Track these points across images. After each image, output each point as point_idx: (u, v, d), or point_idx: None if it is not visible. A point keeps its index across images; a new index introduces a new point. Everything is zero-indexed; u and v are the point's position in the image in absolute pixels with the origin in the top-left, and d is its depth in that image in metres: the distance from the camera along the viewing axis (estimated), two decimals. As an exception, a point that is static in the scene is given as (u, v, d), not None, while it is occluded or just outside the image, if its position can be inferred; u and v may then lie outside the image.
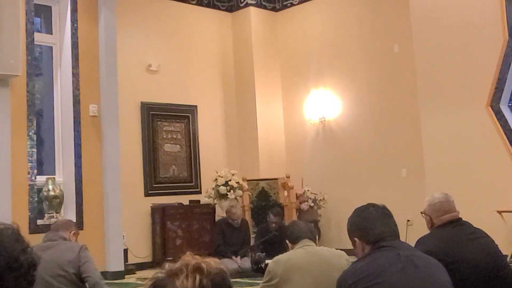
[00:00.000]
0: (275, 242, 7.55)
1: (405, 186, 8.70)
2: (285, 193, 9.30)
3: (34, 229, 7.17)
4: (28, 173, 7.35)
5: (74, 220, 7.65)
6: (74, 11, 8.00)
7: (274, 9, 10.61)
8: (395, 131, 8.99)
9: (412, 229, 7.86)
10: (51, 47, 8.24)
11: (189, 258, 1.42)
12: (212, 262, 1.43)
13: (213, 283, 1.39)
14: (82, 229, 7.68)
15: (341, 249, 3.60)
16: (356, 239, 2.66)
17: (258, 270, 7.37)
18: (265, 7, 10.51)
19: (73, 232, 4.32)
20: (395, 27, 8.98)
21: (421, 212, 3.59)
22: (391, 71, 9.06)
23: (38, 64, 8.43)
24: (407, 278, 2.37)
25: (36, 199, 7.47)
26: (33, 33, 7.56)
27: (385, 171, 9.05)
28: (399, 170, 8.89)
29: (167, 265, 1.43)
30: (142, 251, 8.71)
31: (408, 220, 8.08)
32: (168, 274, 1.40)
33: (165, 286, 1.35)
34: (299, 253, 3.45)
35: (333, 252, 3.51)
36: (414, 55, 8.13)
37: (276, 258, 3.51)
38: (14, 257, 1.28)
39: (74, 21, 7.99)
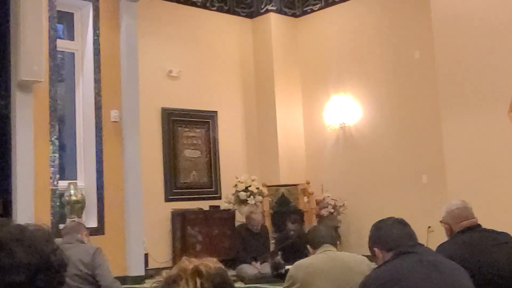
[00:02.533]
0: (295, 248, 7.55)
1: (426, 193, 8.64)
2: (305, 199, 9.28)
3: (56, 233, 7.23)
4: (50, 178, 7.42)
5: (96, 225, 7.72)
6: (96, 17, 8.08)
7: (294, 15, 10.62)
8: (415, 137, 8.94)
9: (433, 236, 7.79)
10: (73, 53, 8.32)
11: (186, 263, 1.42)
12: (210, 263, 1.43)
13: (214, 284, 1.39)
14: (103, 234, 7.74)
15: (362, 256, 3.59)
16: (375, 249, 2.68)
17: (278, 275, 7.37)
18: (285, 13, 10.52)
19: (84, 233, 4.49)
20: (416, 33, 8.94)
21: (440, 221, 3.56)
22: (412, 77, 9.02)
23: (60, 70, 8.52)
24: (430, 283, 2.35)
25: (58, 203, 7.53)
26: (56, 40, 7.64)
27: (406, 177, 9.00)
28: (419, 176, 8.83)
29: (164, 273, 1.43)
30: (162, 256, 8.73)
31: (429, 227, 8.02)
32: (167, 282, 1.40)
33: None
34: (321, 258, 3.45)
35: (355, 257, 3.50)
36: (435, 61, 8.08)
37: (297, 263, 3.50)
38: (46, 258, 1.30)
39: (96, 27, 8.07)
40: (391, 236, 2.63)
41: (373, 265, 2.96)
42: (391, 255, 2.58)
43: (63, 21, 8.43)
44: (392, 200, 8.90)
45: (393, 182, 9.13)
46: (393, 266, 2.48)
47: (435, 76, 8.10)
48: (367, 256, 3.47)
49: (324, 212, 9.30)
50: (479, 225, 3.44)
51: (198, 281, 1.37)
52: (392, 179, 9.15)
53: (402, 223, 2.72)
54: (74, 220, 7.18)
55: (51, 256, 1.32)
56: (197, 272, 1.39)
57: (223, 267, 1.45)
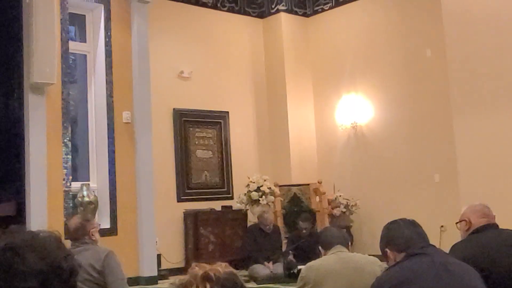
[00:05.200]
0: (307, 248, 7.55)
1: (438, 192, 8.61)
2: (317, 198, 9.27)
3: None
4: (63, 179, 7.46)
5: (108, 226, 7.76)
6: (107, 19, 8.12)
7: (305, 15, 10.61)
8: (427, 136, 8.91)
9: (445, 235, 7.77)
10: (85, 55, 8.37)
11: (197, 269, 1.44)
12: (220, 268, 1.45)
13: None
14: (116, 235, 7.78)
15: (374, 255, 3.59)
16: (387, 250, 2.68)
17: (290, 275, 7.38)
18: (296, 13, 10.52)
19: (92, 230, 4.16)
20: (427, 32, 8.91)
21: (456, 223, 3.53)
22: (424, 76, 8.99)
23: (73, 72, 8.57)
24: (441, 285, 2.35)
25: (71, 204, 7.58)
26: (68, 42, 7.68)
27: (418, 176, 8.97)
28: (432, 175, 8.80)
29: (177, 280, 1.45)
30: (175, 257, 8.76)
31: (442, 226, 8.00)
32: None
33: None
34: (332, 259, 3.45)
35: (366, 258, 3.50)
36: (446, 59, 8.05)
37: (309, 264, 3.51)
38: (57, 264, 1.32)
39: (107, 29, 8.11)
40: (402, 237, 2.63)
41: (385, 265, 2.96)
42: (403, 256, 2.57)
43: (75, 23, 8.47)
44: (405, 199, 8.88)
45: (405, 181, 9.11)
46: (404, 268, 2.48)
47: (447, 74, 8.07)
48: (379, 256, 3.47)
49: (336, 211, 9.29)
50: (496, 225, 3.42)
51: (208, 286, 1.38)
52: (405, 178, 9.13)
53: (413, 224, 2.72)
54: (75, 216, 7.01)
55: (62, 262, 1.33)
56: (207, 277, 1.40)
57: (233, 271, 1.47)
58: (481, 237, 3.32)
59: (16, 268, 1.27)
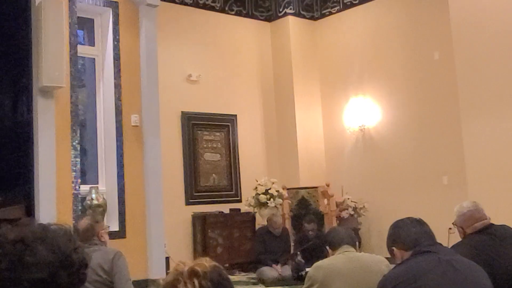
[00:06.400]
0: (315, 250, 7.54)
1: (447, 194, 8.58)
2: (325, 201, 9.27)
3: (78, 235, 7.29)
4: (72, 182, 7.48)
5: (117, 229, 7.78)
6: (115, 23, 8.15)
7: (312, 18, 10.63)
8: (435, 138, 8.89)
9: (454, 238, 7.72)
10: (94, 58, 8.40)
11: (181, 266, 1.45)
12: (204, 262, 1.47)
13: (213, 282, 1.42)
14: (124, 237, 7.79)
15: (381, 256, 3.59)
16: (393, 248, 2.68)
17: (299, 277, 7.37)
18: (303, 16, 10.54)
19: (101, 232, 4.18)
20: (435, 34, 8.91)
21: (453, 223, 3.55)
22: (432, 78, 8.98)
23: (81, 75, 8.61)
24: (448, 282, 2.35)
25: (80, 207, 7.60)
26: (76, 46, 7.70)
27: (426, 179, 8.95)
28: (440, 177, 8.78)
29: (161, 280, 1.45)
30: (183, 259, 8.73)
31: (450, 228, 7.88)
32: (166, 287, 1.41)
33: None
34: (340, 259, 3.45)
35: (373, 258, 3.50)
36: (455, 62, 8.03)
37: (316, 264, 3.51)
38: (67, 256, 1.34)
39: (115, 33, 8.14)
40: (409, 236, 2.63)
41: (392, 266, 2.96)
42: (410, 254, 2.58)
43: (83, 27, 8.52)
44: (413, 201, 8.85)
45: (413, 183, 9.09)
46: (410, 265, 2.49)
47: (455, 77, 8.05)
48: (387, 258, 3.47)
49: (344, 214, 9.28)
50: (491, 225, 3.42)
51: (196, 281, 1.39)
52: (413, 180, 9.11)
53: (420, 222, 2.72)
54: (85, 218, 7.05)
55: (72, 254, 1.35)
56: (193, 272, 1.41)
57: (218, 264, 1.47)
58: (478, 238, 3.33)
59: (26, 259, 1.29)
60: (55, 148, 7.26)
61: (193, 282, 1.40)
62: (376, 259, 3.48)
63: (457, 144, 8.15)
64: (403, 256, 2.62)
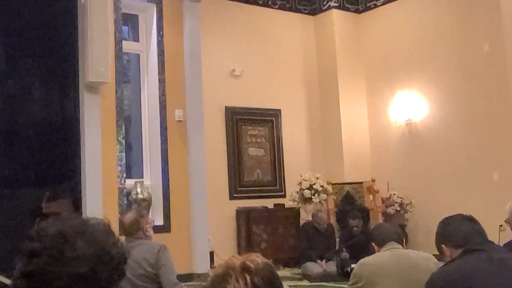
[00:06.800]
0: (360, 246, 7.46)
1: (497, 190, 8.35)
2: (371, 197, 9.16)
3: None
4: (118, 177, 7.57)
5: (162, 223, 7.83)
6: (159, 19, 8.20)
7: (357, 11, 10.48)
8: (485, 133, 8.66)
9: (505, 235, 7.52)
10: (138, 54, 8.47)
11: (233, 260, 1.42)
12: (257, 258, 1.43)
13: (264, 279, 1.39)
14: (169, 232, 7.84)
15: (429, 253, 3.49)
16: (443, 246, 2.60)
17: (344, 274, 7.30)
18: (348, 9, 10.41)
19: (146, 226, 4.17)
20: (485, 25, 8.66)
21: (505, 221, 3.45)
22: (481, 71, 8.74)
23: (126, 71, 8.69)
24: (500, 281, 2.26)
25: (126, 202, 7.68)
26: (121, 42, 7.78)
27: (476, 174, 8.73)
28: (490, 173, 8.55)
29: (210, 272, 1.42)
30: (227, 254, 8.68)
31: (501, 225, 7.73)
32: (216, 280, 1.39)
33: None
34: (386, 256, 3.37)
35: (421, 255, 3.41)
36: (506, 53, 7.80)
37: (362, 260, 3.44)
38: (107, 250, 1.33)
39: (160, 28, 8.18)
40: (459, 233, 2.54)
41: (441, 264, 2.87)
42: (460, 252, 2.49)
43: (128, 23, 8.59)
44: (462, 198, 8.65)
45: (462, 179, 8.88)
46: (461, 264, 2.40)
47: (506, 69, 7.83)
48: (436, 256, 3.37)
49: (390, 210, 9.15)
50: None
51: (248, 277, 1.36)
52: (461, 176, 8.90)
53: (470, 219, 2.63)
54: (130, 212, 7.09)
55: (112, 248, 1.34)
56: (245, 268, 1.38)
57: (269, 261, 1.43)
58: None
59: (66, 254, 1.28)
60: (101, 143, 7.35)
61: (245, 278, 1.37)
62: (424, 257, 3.38)
63: (508, 139, 7.93)
64: (452, 254, 2.53)
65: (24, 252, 1.30)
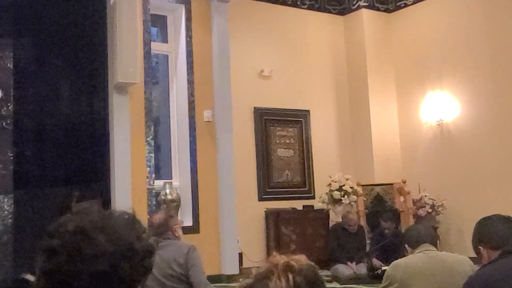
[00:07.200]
0: (392, 248, 7.36)
1: (532, 191, 8.17)
2: (401, 198, 9.03)
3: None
4: (147, 178, 7.58)
5: (191, 224, 7.82)
6: (188, 20, 8.20)
7: (387, 11, 10.36)
8: (519, 133, 8.48)
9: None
10: (167, 55, 8.48)
11: (277, 258, 1.40)
12: (301, 259, 1.41)
13: (307, 279, 1.36)
14: (198, 233, 7.83)
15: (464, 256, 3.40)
16: (480, 247, 2.52)
17: (375, 276, 7.20)
18: (378, 9, 10.29)
19: (175, 226, 4.18)
20: (518, 23, 8.49)
21: None
22: (514, 70, 8.56)
23: (155, 72, 8.70)
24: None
25: (155, 202, 7.69)
26: (150, 43, 7.80)
27: (509, 175, 8.55)
28: (524, 174, 8.37)
29: (253, 270, 1.38)
30: (256, 255, 8.72)
31: (536, 227, 7.57)
32: (258, 278, 1.37)
33: None
34: (420, 258, 3.29)
35: (456, 257, 3.32)
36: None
37: (395, 262, 3.37)
38: (129, 246, 1.26)
39: (188, 29, 8.18)
40: (497, 234, 2.46)
41: (476, 267, 2.78)
42: (498, 254, 2.40)
43: (156, 24, 8.61)
44: (495, 199, 8.47)
45: (495, 180, 8.70)
46: (499, 266, 2.31)
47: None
48: (471, 258, 3.28)
49: (421, 212, 9.00)
50: None
51: (291, 276, 1.33)
52: (494, 177, 8.72)
53: (508, 220, 2.55)
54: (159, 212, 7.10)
55: (135, 243, 1.27)
56: (289, 266, 1.34)
57: (313, 263, 1.40)
58: None
59: (85, 251, 1.22)
60: (130, 144, 7.38)
61: (287, 276, 1.34)
62: (459, 259, 3.29)
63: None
64: (490, 256, 2.45)
65: (44, 249, 1.25)
